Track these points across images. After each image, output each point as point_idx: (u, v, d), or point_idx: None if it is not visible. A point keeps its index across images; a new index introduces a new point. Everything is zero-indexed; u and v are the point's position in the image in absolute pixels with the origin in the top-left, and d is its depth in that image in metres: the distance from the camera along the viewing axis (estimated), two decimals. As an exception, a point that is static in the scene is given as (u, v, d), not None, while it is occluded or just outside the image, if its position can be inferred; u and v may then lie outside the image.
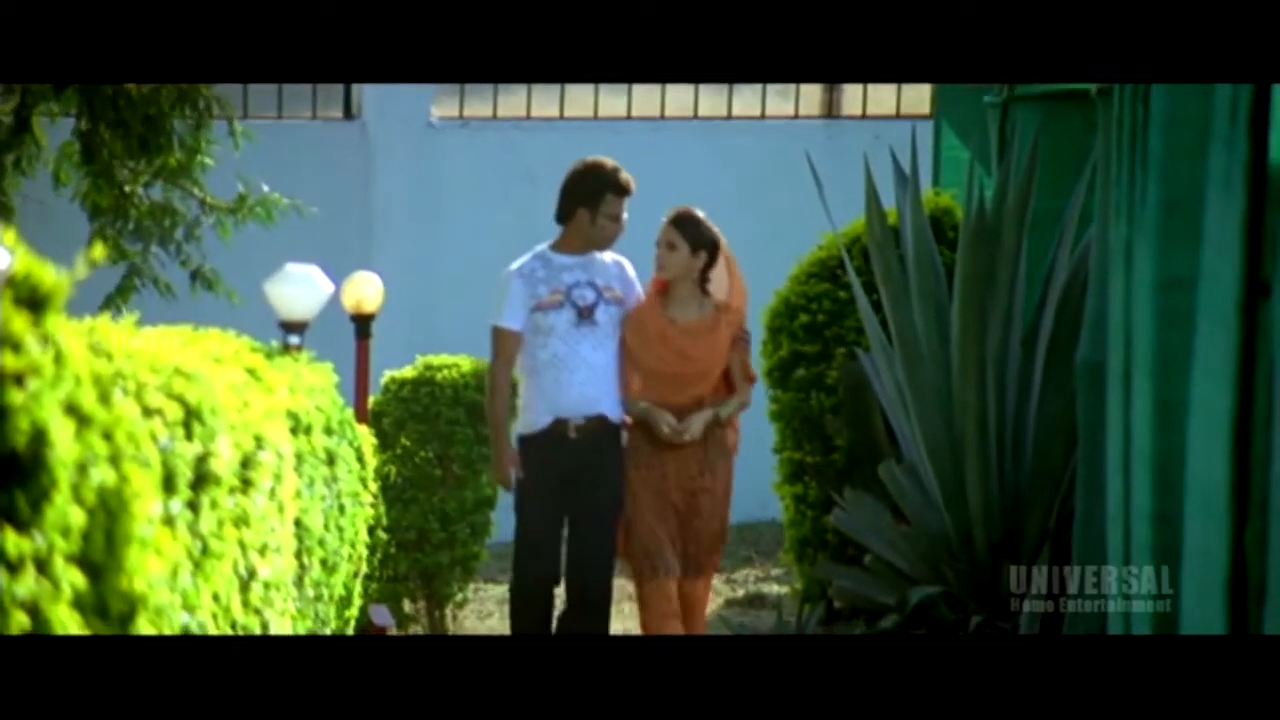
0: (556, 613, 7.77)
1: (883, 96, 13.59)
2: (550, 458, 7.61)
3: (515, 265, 7.73)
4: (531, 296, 7.62)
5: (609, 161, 7.73)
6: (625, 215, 7.67)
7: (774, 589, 10.77)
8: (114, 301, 8.65)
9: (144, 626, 3.16)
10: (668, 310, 7.70)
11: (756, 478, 8.98)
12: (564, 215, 7.71)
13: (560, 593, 7.80)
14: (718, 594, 10.59)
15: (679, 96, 13.46)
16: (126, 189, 8.83)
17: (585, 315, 7.61)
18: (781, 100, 13.62)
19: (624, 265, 7.79)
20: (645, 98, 13.40)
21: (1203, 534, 4.76)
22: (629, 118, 13.37)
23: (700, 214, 7.73)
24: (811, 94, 13.72)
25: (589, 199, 7.64)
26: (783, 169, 11.77)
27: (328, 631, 6.28)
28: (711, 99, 13.52)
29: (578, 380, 7.59)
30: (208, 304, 9.22)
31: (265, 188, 9.38)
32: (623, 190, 7.64)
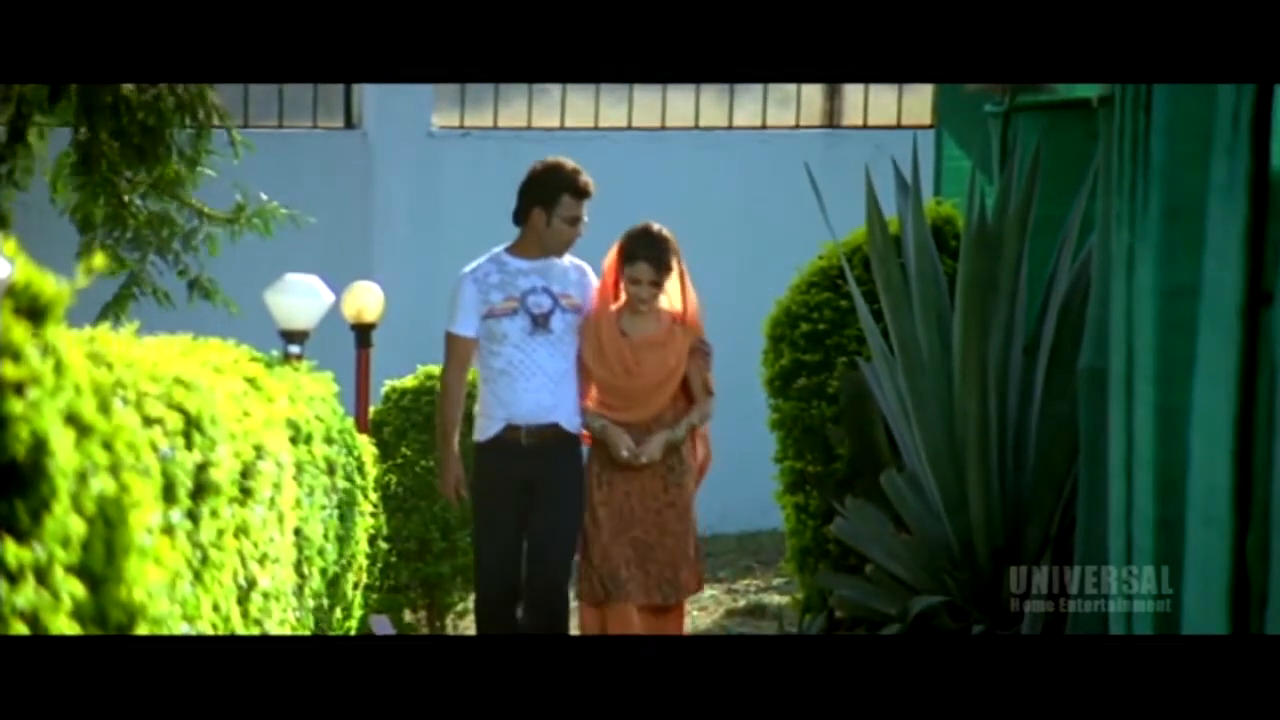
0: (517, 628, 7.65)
1: (884, 106, 13.58)
2: (503, 465, 7.42)
3: (469, 268, 7.56)
4: (484, 302, 7.45)
5: (569, 162, 7.54)
6: (585, 219, 7.50)
7: (775, 599, 10.76)
8: (112, 310, 8.58)
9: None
10: (622, 323, 7.57)
11: (757, 487, 8.97)
12: (520, 216, 7.52)
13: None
14: (719, 603, 10.58)
15: (680, 106, 13.44)
16: (125, 198, 8.79)
17: (540, 323, 7.42)
18: (782, 110, 13.61)
19: (585, 271, 7.62)
20: (646, 107, 13.39)
21: (1205, 541, 4.76)
22: (629, 127, 13.37)
23: (653, 226, 7.56)
24: (812, 103, 13.70)
25: (545, 200, 7.44)
26: (784, 178, 11.76)
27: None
28: (712, 108, 13.51)
29: (533, 388, 7.40)
30: (207, 313, 9.20)
31: (264, 196, 9.33)
32: (581, 192, 7.44)
